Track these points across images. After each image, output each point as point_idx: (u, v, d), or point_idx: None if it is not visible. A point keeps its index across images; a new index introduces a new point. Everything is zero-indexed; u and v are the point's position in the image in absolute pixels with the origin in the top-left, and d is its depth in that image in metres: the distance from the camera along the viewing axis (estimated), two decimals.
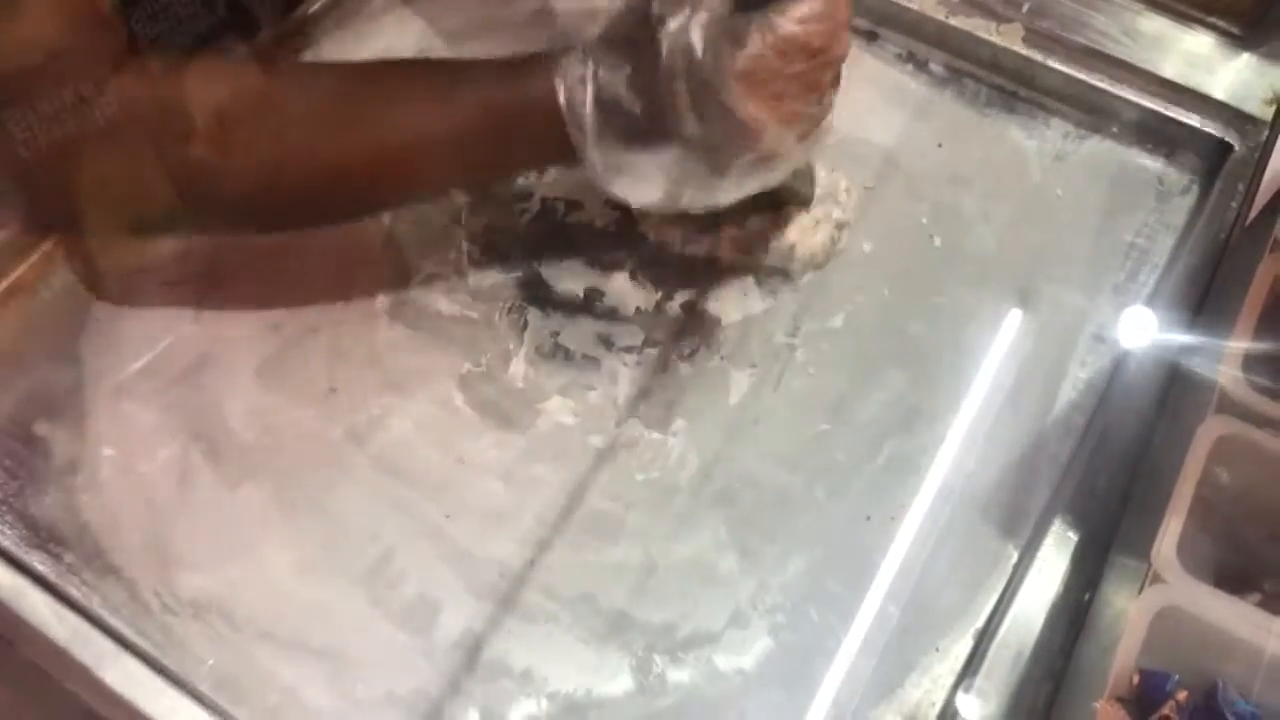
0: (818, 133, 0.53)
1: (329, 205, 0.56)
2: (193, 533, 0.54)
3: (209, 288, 0.62)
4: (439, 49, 0.72)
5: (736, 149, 0.51)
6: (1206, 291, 0.61)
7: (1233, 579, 0.47)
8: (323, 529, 0.55)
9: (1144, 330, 0.60)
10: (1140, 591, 0.44)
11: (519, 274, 0.63)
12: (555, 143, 0.51)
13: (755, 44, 0.48)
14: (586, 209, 0.65)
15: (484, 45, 0.72)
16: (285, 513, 0.55)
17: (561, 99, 0.50)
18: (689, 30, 0.49)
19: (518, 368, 0.60)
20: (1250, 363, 0.49)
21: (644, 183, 0.52)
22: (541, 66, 0.51)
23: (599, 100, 0.50)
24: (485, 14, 0.74)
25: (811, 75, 0.50)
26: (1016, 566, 0.54)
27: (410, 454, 0.57)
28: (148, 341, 0.60)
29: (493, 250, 0.64)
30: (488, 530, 0.55)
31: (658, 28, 0.49)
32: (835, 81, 0.52)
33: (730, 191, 0.53)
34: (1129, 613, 0.44)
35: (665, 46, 0.49)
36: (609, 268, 0.63)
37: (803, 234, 0.62)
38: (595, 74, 0.50)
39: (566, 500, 0.56)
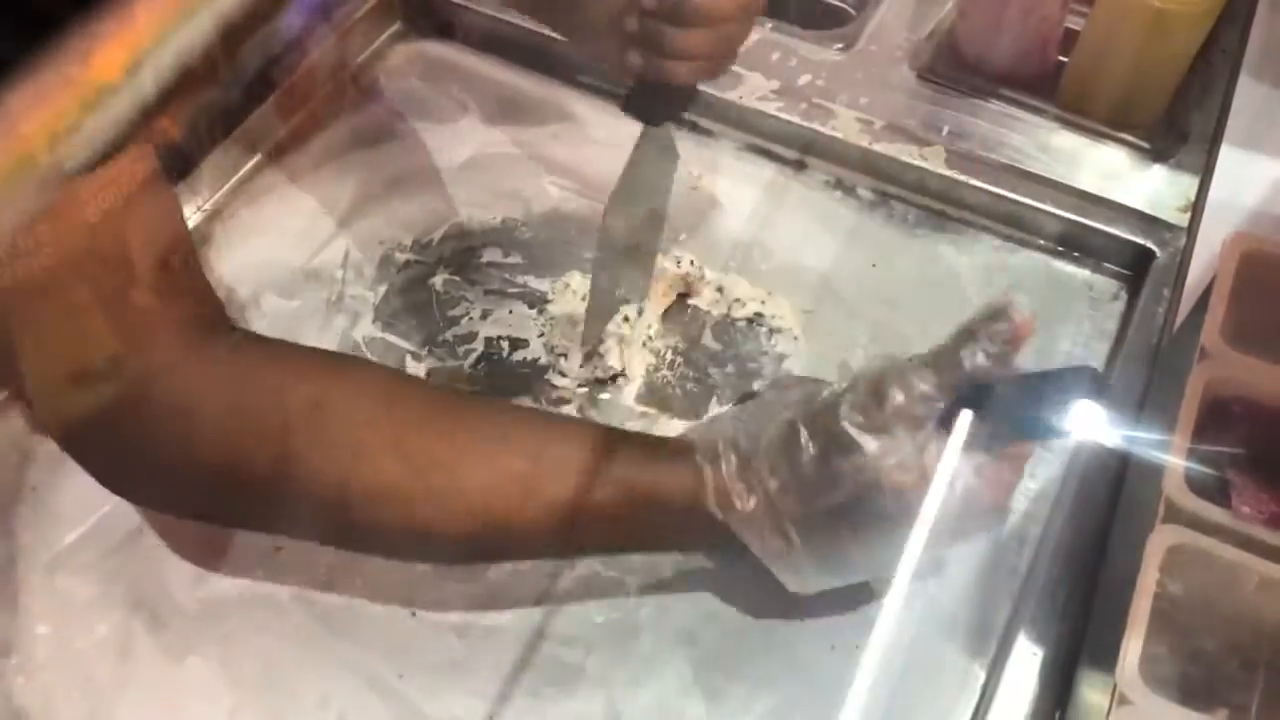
0: None
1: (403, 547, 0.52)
2: (135, 711, 0.52)
3: None
4: (378, 195, 0.73)
5: None
6: (1145, 395, 0.62)
7: (1200, 694, 0.47)
8: (272, 697, 0.53)
9: (1089, 437, 0.61)
10: (1109, 713, 0.44)
11: None
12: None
13: None
14: (531, 346, 0.66)
15: (421, 193, 0.73)
16: (232, 682, 0.53)
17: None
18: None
19: None
20: (1193, 470, 0.50)
21: None
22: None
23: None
24: (422, 162, 0.75)
25: None
26: (985, 687, 0.53)
27: (360, 611, 0.55)
28: (85, 510, 0.58)
29: None
30: (443, 686, 0.53)
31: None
32: None
33: None
34: None
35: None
36: (556, 403, 0.63)
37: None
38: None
39: (523, 649, 0.54)
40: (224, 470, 0.46)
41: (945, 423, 0.47)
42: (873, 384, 0.47)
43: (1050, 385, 0.47)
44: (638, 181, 0.62)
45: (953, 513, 0.47)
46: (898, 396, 0.46)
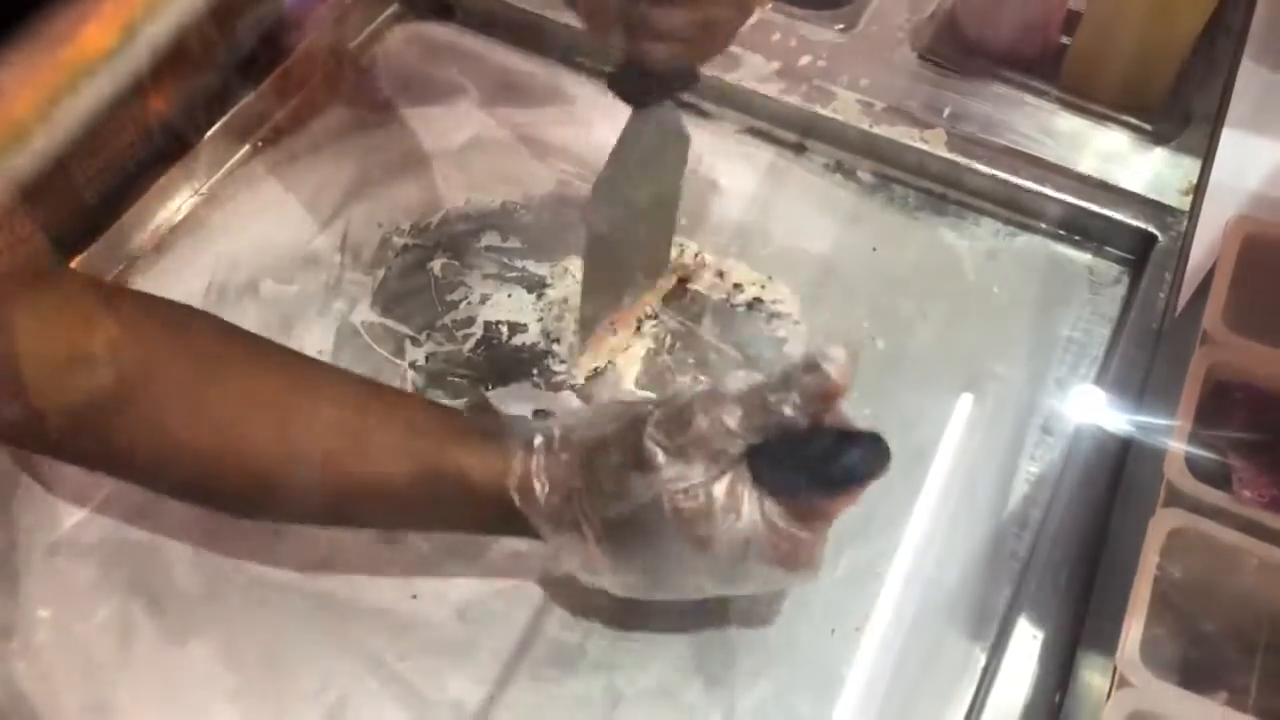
0: None
1: (219, 498, 0.52)
2: (136, 694, 0.52)
3: None
4: (376, 178, 0.73)
5: None
6: (1146, 380, 0.62)
7: (1200, 676, 0.47)
8: (272, 679, 0.53)
9: (1090, 421, 0.61)
10: (1109, 695, 0.44)
11: (465, 400, 0.63)
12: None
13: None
14: (530, 331, 0.66)
15: (419, 176, 0.73)
16: (233, 665, 0.53)
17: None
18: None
19: None
20: (1194, 454, 0.50)
21: None
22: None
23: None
24: (421, 145, 0.75)
25: None
26: (985, 670, 0.53)
27: (361, 593, 0.55)
28: (85, 493, 0.58)
29: (438, 378, 0.63)
30: (443, 668, 0.53)
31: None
32: None
33: None
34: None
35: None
36: (556, 388, 0.63)
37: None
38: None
39: (524, 631, 0.54)
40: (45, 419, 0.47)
41: (748, 463, 0.46)
42: (681, 407, 0.46)
43: (838, 445, 0.45)
44: (627, 168, 0.58)
45: (744, 555, 0.46)
46: (701, 424, 0.45)
